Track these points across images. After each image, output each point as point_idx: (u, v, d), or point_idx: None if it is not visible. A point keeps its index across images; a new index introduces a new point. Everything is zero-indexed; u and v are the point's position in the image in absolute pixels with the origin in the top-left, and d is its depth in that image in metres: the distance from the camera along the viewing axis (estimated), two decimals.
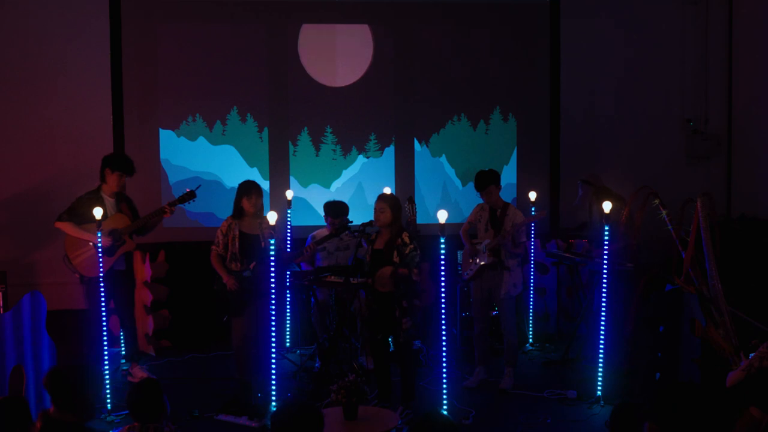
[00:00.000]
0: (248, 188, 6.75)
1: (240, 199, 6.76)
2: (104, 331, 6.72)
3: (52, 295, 7.42)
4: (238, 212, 6.77)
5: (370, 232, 6.70)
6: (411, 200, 7.79)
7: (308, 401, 5.26)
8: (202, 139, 8.93)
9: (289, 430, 3.85)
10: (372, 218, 6.60)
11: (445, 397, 6.09)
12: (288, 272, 7.58)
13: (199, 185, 7.46)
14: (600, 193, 7.58)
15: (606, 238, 6.76)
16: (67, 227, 7.03)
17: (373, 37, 9.15)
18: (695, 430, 3.74)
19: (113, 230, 7.01)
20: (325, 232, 7.86)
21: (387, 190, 7.90)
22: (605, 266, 6.78)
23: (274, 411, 4.06)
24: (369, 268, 6.49)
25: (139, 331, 7.71)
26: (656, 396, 3.89)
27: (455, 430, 3.87)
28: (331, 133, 9.11)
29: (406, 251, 6.36)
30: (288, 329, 8.24)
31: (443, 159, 9.28)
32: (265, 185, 8.93)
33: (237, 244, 6.68)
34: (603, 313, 6.80)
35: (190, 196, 7.23)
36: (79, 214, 7.00)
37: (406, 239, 6.41)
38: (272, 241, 6.06)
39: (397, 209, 6.51)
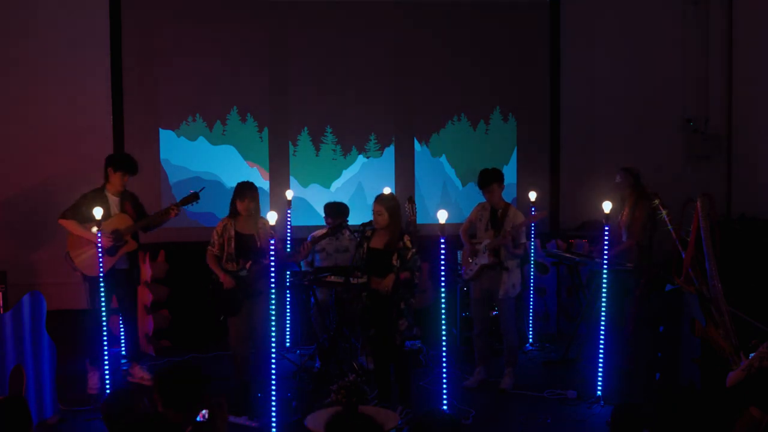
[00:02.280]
0: (242, 192, 6.75)
1: (234, 200, 6.78)
2: (104, 331, 6.73)
3: (52, 295, 7.41)
4: (233, 212, 6.79)
5: (366, 229, 6.67)
6: (411, 200, 7.78)
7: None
8: (202, 139, 8.93)
9: None
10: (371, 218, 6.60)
11: (445, 397, 6.09)
12: (288, 272, 7.58)
13: (203, 187, 7.42)
14: (636, 187, 7.50)
15: (606, 238, 6.76)
16: (70, 225, 7.02)
17: (373, 36, 9.15)
18: None
19: (115, 230, 7.00)
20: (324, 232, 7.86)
21: (387, 190, 7.89)
22: (605, 266, 6.79)
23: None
24: (366, 265, 6.48)
25: (139, 331, 7.70)
26: (657, 401, 3.90)
27: (457, 427, 3.87)
28: (331, 133, 9.11)
29: (408, 256, 6.34)
30: (288, 329, 8.24)
31: (443, 159, 9.28)
32: (265, 185, 8.94)
33: (233, 244, 6.70)
34: (603, 313, 6.80)
35: (194, 197, 7.21)
36: (82, 212, 6.99)
37: (408, 243, 6.38)
38: (272, 241, 6.05)
39: (395, 210, 6.48)
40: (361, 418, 3.87)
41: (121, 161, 7.14)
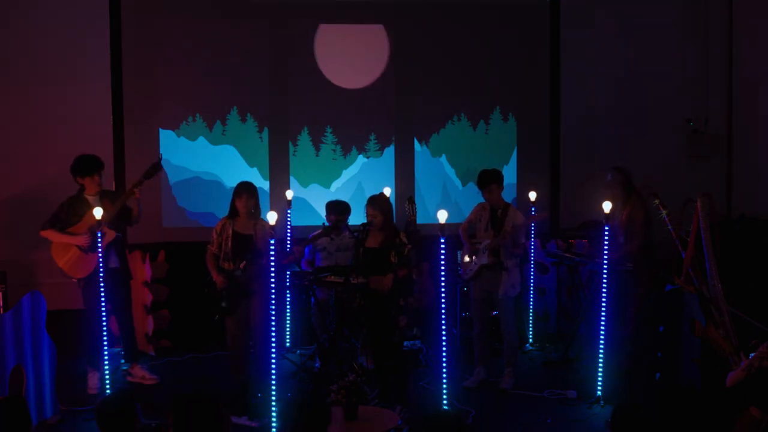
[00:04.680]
0: (239, 189, 6.84)
1: (233, 199, 6.85)
2: (104, 331, 6.73)
3: (52, 295, 7.40)
4: (233, 212, 6.84)
5: (366, 230, 6.68)
6: (411, 200, 7.79)
7: (315, 399, 5.25)
8: (202, 139, 8.93)
9: (298, 427, 3.84)
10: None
11: (445, 397, 6.09)
12: (288, 272, 7.58)
13: (161, 155, 7.45)
14: (627, 187, 7.49)
15: (606, 238, 6.76)
16: (50, 234, 7.05)
17: (373, 37, 9.15)
18: None
19: (90, 227, 7.01)
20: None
21: (387, 191, 7.90)
22: (605, 266, 6.78)
23: (284, 409, 4.05)
24: (363, 267, 6.49)
25: (138, 331, 7.70)
26: (656, 400, 3.90)
27: (462, 424, 3.89)
28: (331, 133, 9.11)
29: (405, 251, 6.39)
30: (288, 329, 8.24)
31: (443, 159, 9.28)
32: (265, 185, 8.93)
33: (230, 243, 6.74)
34: (603, 313, 6.80)
35: (155, 167, 7.21)
36: (61, 220, 7.04)
37: (404, 239, 6.44)
38: (272, 241, 6.05)
39: (388, 210, 6.55)
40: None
41: (85, 166, 7.12)
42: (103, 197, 7.14)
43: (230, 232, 6.77)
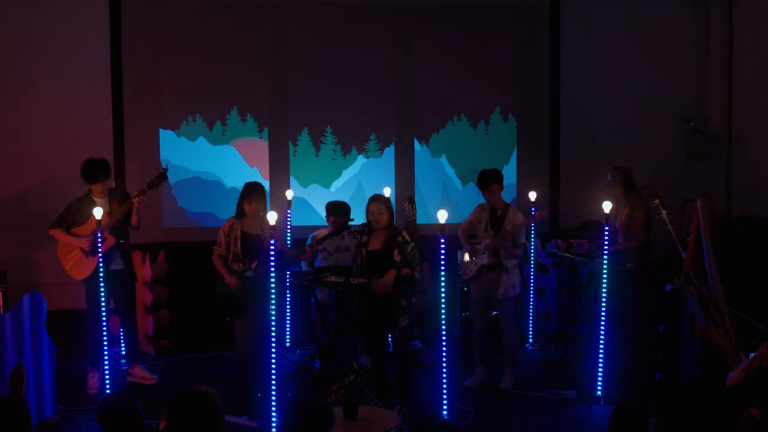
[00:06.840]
0: (251, 192, 6.78)
1: (242, 200, 6.80)
2: (104, 331, 6.73)
3: (52, 295, 7.42)
4: (240, 212, 6.80)
5: (362, 234, 6.67)
6: (411, 200, 7.79)
7: (318, 401, 5.25)
8: (202, 139, 8.93)
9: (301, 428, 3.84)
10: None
11: (445, 397, 6.09)
12: (288, 272, 7.59)
13: (166, 167, 7.43)
14: (627, 186, 7.49)
15: (606, 238, 6.76)
16: (57, 234, 7.07)
17: (373, 36, 9.15)
18: (699, 430, 3.73)
19: (93, 229, 7.00)
20: (325, 232, 7.86)
21: (387, 191, 7.90)
22: (605, 266, 6.78)
23: (286, 410, 4.05)
24: (366, 270, 6.49)
25: (139, 331, 7.70)
26: (662, 396, 3.89)
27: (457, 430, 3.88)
28: (331, 133, 9.11)
29: (408, 249, 6.39)
30: (288, 329, 8.24)
31: (443, 159, 9.28)
32: (265, 185, 8.87)
33: (239, 244, 6.71)
34: (603, 313, 6.80)
35: (161, 178, 7.17)
36: (68, 220, 7.05)
37: (407, 237, 6.44)
38: (272, 241, 6.05)
39: (391, 209, 6.55)
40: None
41: (89, 174, 7.05)
42: (112, 199, 7.13)
43: (239, 232, 6.73)
